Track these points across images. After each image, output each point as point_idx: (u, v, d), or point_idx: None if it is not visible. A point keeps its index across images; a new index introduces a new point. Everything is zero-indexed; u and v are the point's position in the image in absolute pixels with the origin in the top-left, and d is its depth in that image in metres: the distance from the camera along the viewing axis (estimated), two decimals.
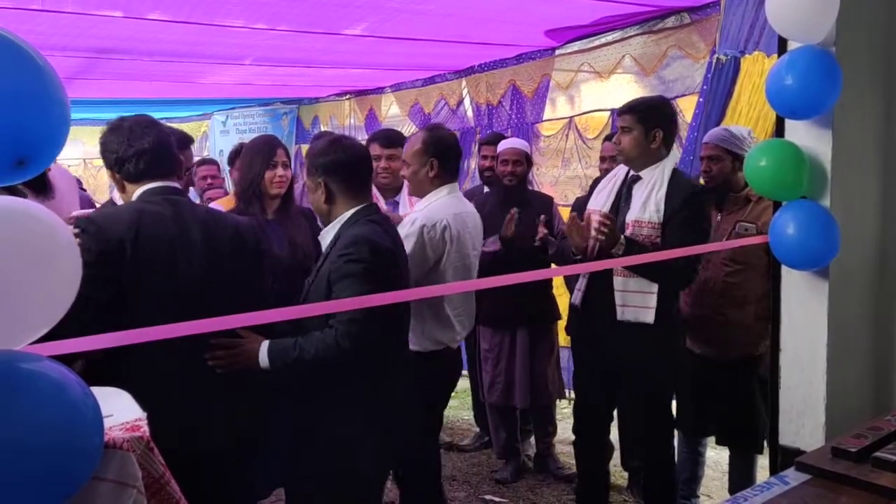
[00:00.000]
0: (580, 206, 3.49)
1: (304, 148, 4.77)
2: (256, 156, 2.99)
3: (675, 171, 3.08)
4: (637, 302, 2.97)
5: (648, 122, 3.02)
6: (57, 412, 1.07)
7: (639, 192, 3.06)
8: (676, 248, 2.76)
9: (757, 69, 4.02)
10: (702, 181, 3.46)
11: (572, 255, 3.19)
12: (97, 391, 1.16)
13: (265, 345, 2.24)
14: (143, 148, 2.19)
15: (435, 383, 2.98)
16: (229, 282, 2.25)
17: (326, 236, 2.44)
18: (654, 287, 2.95)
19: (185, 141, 2.63)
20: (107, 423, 1.23)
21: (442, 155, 2.94)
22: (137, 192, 2.22)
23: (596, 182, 3.42)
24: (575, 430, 3.44)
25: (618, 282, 3.00)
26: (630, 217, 3.03)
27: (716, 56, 4.21)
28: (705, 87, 4.29)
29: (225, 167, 5.18)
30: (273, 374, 2.25)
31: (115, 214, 2.17)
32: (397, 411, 2.44)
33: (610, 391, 3.26)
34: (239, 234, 2.35)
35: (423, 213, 2.89)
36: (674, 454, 3.32)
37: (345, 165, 2.40)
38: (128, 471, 1.38)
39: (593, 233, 2.94)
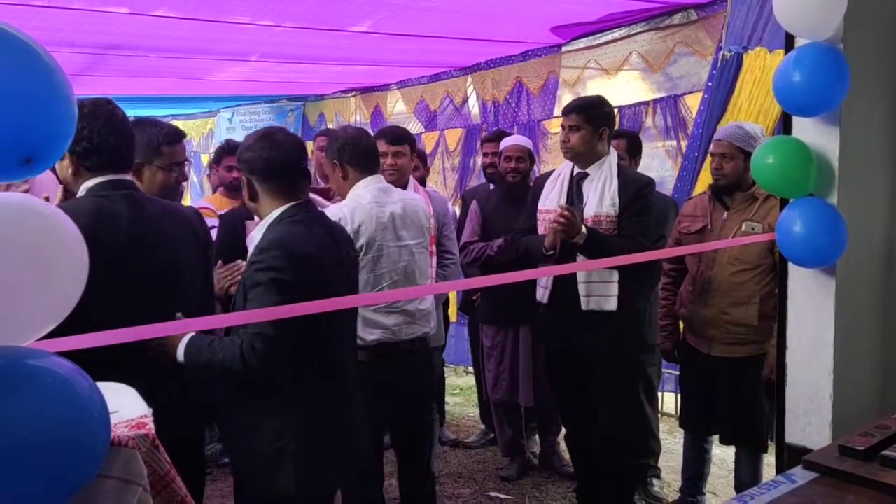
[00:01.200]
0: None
1: (310, 145, 4.77)
2: None
3: (620, 167, 3.24)
4: (600, 291, 3.12)
5: (595, 121, 3.16)
6: (64, 409, 1.06)
7: (590, 187, 3.19)
8: (635, 238, 3.05)
9: (759, 64, 4.02)
10: (712, 178, 3.44)
11: (544, 252, 3.23)
12: (102, 387, 1.16)
13: (186, 338, 2.09)
14: (116, 143, 2.13)
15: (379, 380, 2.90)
16: (184, 274, 2.29)
17: (255, 239, 2.23)
18: (615, 276, 3.10)
19: (178, 135, 2.58)
20: (112, 419, 1.22)
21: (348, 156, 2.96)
22: (91, 181, 2.15)
23: (540, 181, 3.46)
24: (565, 426, 3.52)
25: (581, 274, 3.12)
26: (588, 213, 3.15)
27: (721, 53, 4.20)
28: (710, 83, 4.27)
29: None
30: (186, 371, 2.12)
31: (71, 212, 2.02)
32: (327, 425, 2.21)
33: (584, 383, 3.30)
34: (191, 225, 2.37)
35: (336, 206, 2.95)
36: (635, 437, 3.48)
37: (270, 163, 2.20)
38: (133, 469, 1.38)
39: (552, 225, 3.05)
